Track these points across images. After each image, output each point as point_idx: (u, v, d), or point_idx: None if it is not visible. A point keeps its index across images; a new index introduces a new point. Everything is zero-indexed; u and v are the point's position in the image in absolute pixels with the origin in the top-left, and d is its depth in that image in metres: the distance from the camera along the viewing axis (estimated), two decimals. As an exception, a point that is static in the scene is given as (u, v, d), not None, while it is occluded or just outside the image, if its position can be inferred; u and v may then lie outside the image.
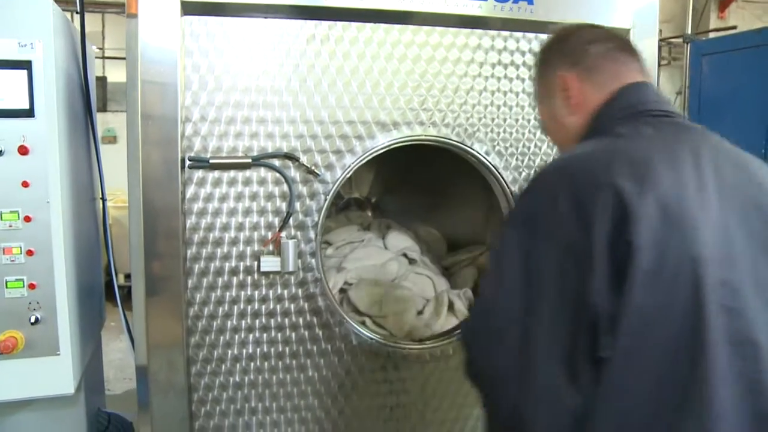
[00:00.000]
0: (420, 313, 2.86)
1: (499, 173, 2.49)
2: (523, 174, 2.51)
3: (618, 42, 1.60)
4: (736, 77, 5.03)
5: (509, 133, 2.48)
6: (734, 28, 7.69)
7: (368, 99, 2.30)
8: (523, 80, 2.46)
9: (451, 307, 2.77)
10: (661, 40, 7.73)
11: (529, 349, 1.26)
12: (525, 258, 1.30)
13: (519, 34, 2.44)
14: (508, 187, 2.50)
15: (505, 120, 2.47)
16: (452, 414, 2.58)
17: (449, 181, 3.32)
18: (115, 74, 8.30)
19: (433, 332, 2.66)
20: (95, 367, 2.99)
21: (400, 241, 3.21)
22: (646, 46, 2.57)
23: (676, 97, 8.33)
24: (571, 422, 1.22)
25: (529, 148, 2.51)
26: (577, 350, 1.22)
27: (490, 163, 2.47)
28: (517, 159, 2.50)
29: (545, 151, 2.53)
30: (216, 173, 2.19)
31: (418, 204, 3.67)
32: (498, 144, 2.47)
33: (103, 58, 8.37)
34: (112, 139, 8.47)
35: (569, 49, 1.58)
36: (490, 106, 2.44)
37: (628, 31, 2.51)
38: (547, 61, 1.63)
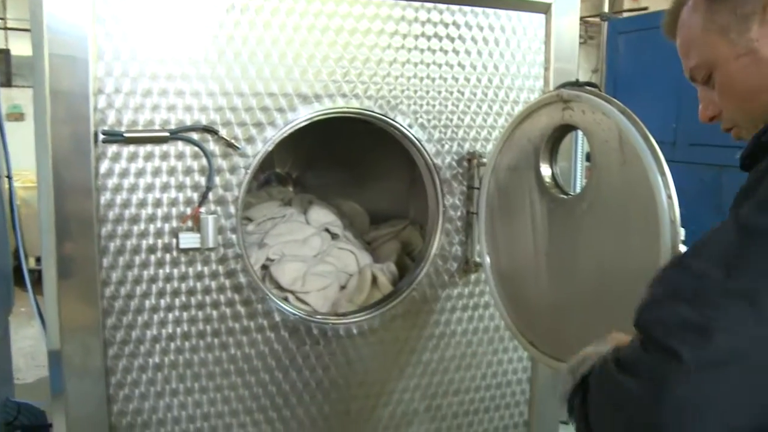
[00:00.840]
0: (343, 288, 2.84)
1: (422, 146, 2.48)
2: (446, 146, 2.50)
3: None
4: (649, 55, 5.18)
5: (432, 105, 2.47)
6: (645, 9, 7.89)
7: (289, 71, 2.24)
8: (446, 52, 2.45)
9: (374, 281, 2.76)
10: (576, 18, 7.85)
11: None
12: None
13: (443, 6, 2.42)
14: (432, 160, 2.49)
15: (427, 92, 2.45)
16: (376, 389, 2.58)
17: (372, 154, 3.30)
18: (20, 47, 7.90)
19: (357, 307, 2.64)
20: (2, 354, 2.85)
21: (322, 216, 3.17)
22: (568, 23, 2.61)
23: (591, 74, 8.53)
24: None
25: (451, 120, 2.50)
26: None
27: (413, 135, 2.46)
28: (440, 131, 2.49)
29: (468, 124, 2.53)
30: (131, 147, 2.10)
31: (340, 179, 3.64)
32: (421, 116, 2.45)
33: (6, 29, 7.95)
34: (19, 116, 8.06)
35: None
36: (413, 78, 2.42)
37: (549, 6, 2.53)
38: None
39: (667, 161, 5.11)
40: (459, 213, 2.56)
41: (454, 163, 2.52)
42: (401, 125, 2.44)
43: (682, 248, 1.67)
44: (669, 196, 1.66)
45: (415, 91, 2.43)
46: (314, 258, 2.94)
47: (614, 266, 1.85)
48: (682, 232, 1.67)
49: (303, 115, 2.27)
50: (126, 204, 2.12)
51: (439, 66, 2.45)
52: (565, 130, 2.07)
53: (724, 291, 0.96)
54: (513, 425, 2.90)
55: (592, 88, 1.92)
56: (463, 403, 2.76)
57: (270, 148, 2.27)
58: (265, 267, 2.83)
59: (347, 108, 2.35)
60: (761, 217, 1.01)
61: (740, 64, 1.17)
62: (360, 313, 2.53)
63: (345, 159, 3.56)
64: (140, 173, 2.12)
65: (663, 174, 1.67)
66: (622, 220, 1.81)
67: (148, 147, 2.11)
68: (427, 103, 2.46)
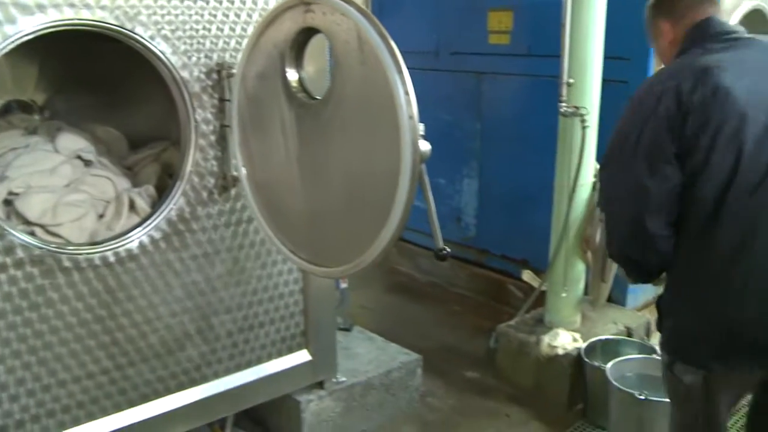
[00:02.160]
0: (102, 216, 2.68)
1: (167, 59, 2.34)
2: (194, 58, 2.39)
3: None
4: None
5: (175, 15, 2.33)
6: None
7: (3, -23, 2.00)
8: (183, -44, 2.31)
9: (132, 206, 2.62)
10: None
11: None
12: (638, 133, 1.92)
13: None
14: (178, 73, 2.37)
15: (169, 1, 2.30)
16: (142, 316, 2.49)
17: (133, 77, 3.08)
18: None
19: (116, 233, 2.50)
20: None
21: (72, 142, 2.93)
22: None
23: None
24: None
25: (197, 31, 2.38)
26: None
27: (156, 48, 2.31)
28: (185, 43, 2.37)
29: (215, 34, 2.42)
30: None
31: (93, 103, 3.37)
32: (163, 27, 2.31)
33: None
34: None
35: (668, 5, 2.14)
36: (151, -15, 2.26)
37: None
38: (653, 11, 2.19)
39: (431, 70, 5.29)
40: (212, 127, 2.48)
41: (203, 76, 2.42)
42: (142, 37, 2.28)
43: (423, 143, 1.73)
44: (406, 93, 1.69)
45: (155, 0, 2.28)
46: (66, 188, 2.73)
47: (362, 168, 1.88)
48: (421, 127, 1.71)
49: (24, 28, 2.05)
50: None
51: (178, -29, 2.31)
52: (309, 33, 2.03)
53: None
54: (290, 336, 2.94)
55: (332, -11, 1.88)
56: (237, 321, 2.74)
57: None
58: (8, 202, 2.58)
59: (78, 20, 2.15)
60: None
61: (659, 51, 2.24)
62: (115, 240, 2.40)
63: (101, 82, 3.30)
64: None
65: (400, 71, 1.69)
66: (366, 120, 1.83)
67: None
68: (169, 13, 2.31)
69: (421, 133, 1.68)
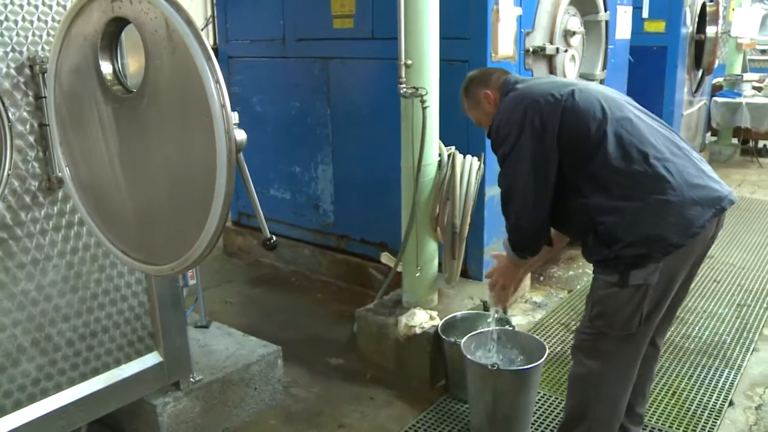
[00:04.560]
0: None
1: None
2: (0, 53, 2.23)
3: (492, 70, 2.91)
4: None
5: (-24, 8, 2.17)
6: None
7: None
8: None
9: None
10: None
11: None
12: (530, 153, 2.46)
13: None
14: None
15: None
16: (-31, 332, 2.33)
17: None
18: None
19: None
20: None
21: None
22: None
23: None
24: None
25: (1, 23, 2.23)
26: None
27: (-43, 44, 2.15)
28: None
29: (23, 26, 2.27)
30: None
31: None
32: (-36, 22, 2.15)
33: None
34: None
35: (483, 79, 2.81)
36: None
37: None
38: (473, 88, 2.83)
39: (279, 57, 5.25)
40: (29, 126, 2.33)
41: (13, 72, 2.26)
42: (-60, 32, 2.11)
43: (238, 132, 1.68)
44: (217, 81, 1.63)
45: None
46: None
47: (181, 161, 1.81)
48: (234, 116, 1.67)
49: None
50: None
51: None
52: (120, 23, 1.93)
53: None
54: (138, 339, 2.83)
55: (136, -24, 1.80)
56: (77, 328, 2.61)
57: None
58: None
59: None
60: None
61: (482, 115, 2.81)
62: None
63: None
64: None
65: (209, 59, 1.64)
66: (180, 112, 1.76)
67: None
68: (-32, 5, 2.15)
69: (236, 122, 1.64)
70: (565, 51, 4.65)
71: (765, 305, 4.59)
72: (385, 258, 4.14)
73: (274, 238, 1.81)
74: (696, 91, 7.81)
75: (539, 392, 3.43)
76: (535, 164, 2.45)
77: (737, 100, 8.78)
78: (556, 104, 2.44)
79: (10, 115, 2.27)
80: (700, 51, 7.55)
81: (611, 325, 2.50)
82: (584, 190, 2.44)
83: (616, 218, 2.38)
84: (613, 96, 2.55)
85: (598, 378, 2.58)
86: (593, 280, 2.56)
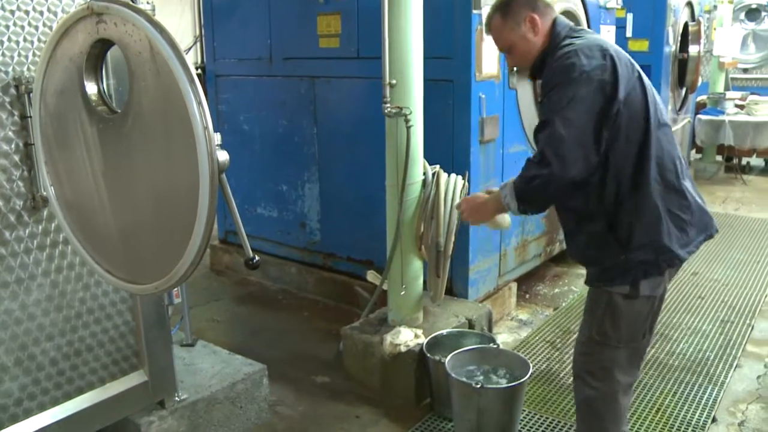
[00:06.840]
0: None
1: (-43, 76, 2.20)
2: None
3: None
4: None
5: (-37, 29, 2.19)
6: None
7: None
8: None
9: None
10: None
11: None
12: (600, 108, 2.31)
13: None
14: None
15: (-45, 14, 2.17)
16: (-48, 351, 2.32)
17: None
18: None
19: None
20: None
21: None
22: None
23: None
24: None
25: (-11, 45, 2.25)
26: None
27: (-57, 65, 2.17)
28: (-23, 58, 2.23)
29: (9, 46, 2.29)
30: None
31: None
32: (-50, 43, 2.17)
33: None
34: None
35: (531, 1, 2.53)
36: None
37: None
38: (517, 7, 2.53)
39: (266, 76, 5.26)
40: (15, 146, 2.34)
41: (-2, 92, 2.29)
42: (-74, 53, 2.13)
43: (220, 153, 1.71)
44: (200, 103, 1.67)
45: (-62, 13, 2.13)
46: None
47: (165, 181, 1.84)
48: (217, 137, 1.70)
49: None
50: None
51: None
52: (105, 45, 1.96)
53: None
54: (122, 358, 2.83)
55: None
56: (61, 347, 2.61)
57: None
58: None
59: None
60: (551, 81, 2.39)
61: (521, 39, 2.53)
62: None
63: None
64: None
65: (192, 81, 1.67)
66: (164, 133, 1.79)
67: None
68: (-46, 26, 2.17)
69: (218, 142, 1.67)
70: (549, 70, 4.69)
71: (748, 321, 4.62)
72: (371, 276, 4.15)
73: (257, 257, 1.83)
74: (680, 108, 7.90)
75: (524, 410, 3.44)
76: (600, 120, 2.28)
77: (720, 117, 8.87)
78: (634, 81, 2.37)
79: (-5, 134, 2.29)
80: (684, 70, 7.65)
81: (619, 338, 2.49)
82: (612, 181, 2.38)
83: (636, 220, 2.38)
84: (657, 100, 2.46)
85: (612, 397, 2.57)
86: (595, 295, 2.54)
